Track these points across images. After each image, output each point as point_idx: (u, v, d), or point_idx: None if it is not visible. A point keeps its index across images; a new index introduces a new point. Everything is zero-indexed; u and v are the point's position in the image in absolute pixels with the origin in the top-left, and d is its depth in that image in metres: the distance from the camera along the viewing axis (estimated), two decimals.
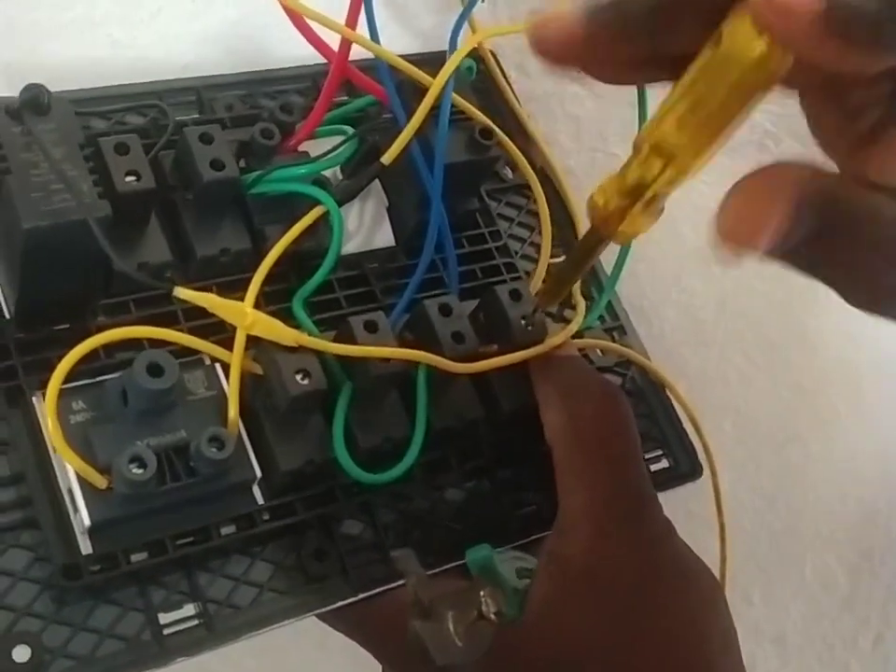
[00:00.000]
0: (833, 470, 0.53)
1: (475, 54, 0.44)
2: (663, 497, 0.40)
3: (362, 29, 0.37)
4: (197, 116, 0.39)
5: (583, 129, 0.51)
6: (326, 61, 0.37)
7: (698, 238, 0.50)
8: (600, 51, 0.27)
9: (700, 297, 0.51)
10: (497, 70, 0.44)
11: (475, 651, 0.32)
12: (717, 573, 0.40)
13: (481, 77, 0.44)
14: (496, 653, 0.33)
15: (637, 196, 0.29)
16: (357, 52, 0.37)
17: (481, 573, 0.35)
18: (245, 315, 0.32)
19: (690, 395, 0.46)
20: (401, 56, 0.37)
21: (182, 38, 0.42)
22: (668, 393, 0.42)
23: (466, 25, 0.41)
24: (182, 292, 0.31)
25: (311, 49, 0.37)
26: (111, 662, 0.31)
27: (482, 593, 0.33)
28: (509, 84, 0.44)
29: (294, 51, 0.39)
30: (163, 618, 0.32)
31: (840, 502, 0.53)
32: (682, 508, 0.46)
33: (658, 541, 0.35)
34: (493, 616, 0.33)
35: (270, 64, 0.41)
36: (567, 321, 0.40)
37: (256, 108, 0.39)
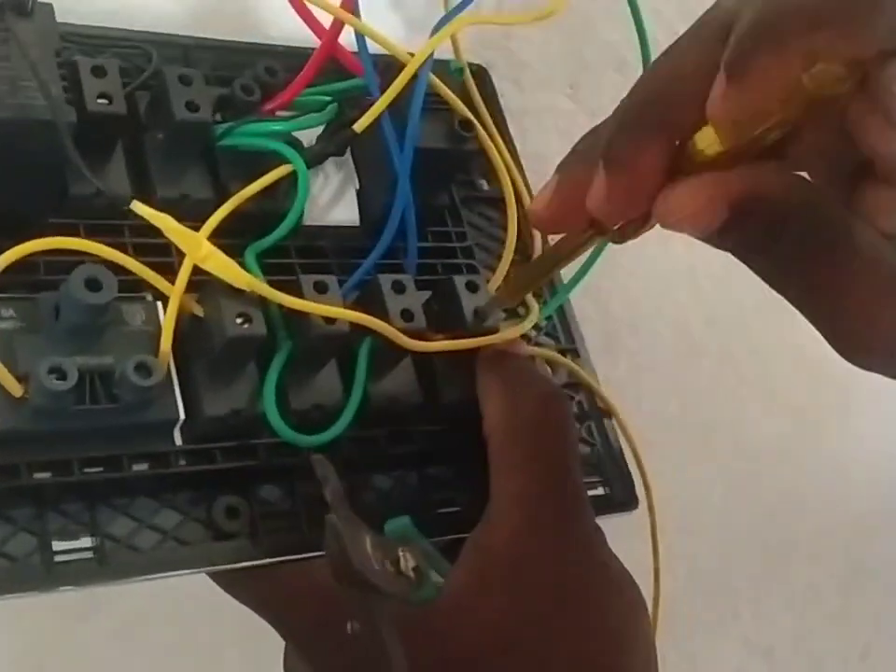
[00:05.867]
0: (825, 485, 0.52)
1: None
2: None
3: None
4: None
5: None
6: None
7: (690, 254, 0.50)
8: (577, 209, 0.29)
9: (690, 312, 0.51)
10: (472, 84, 0.43)
11: (388, 584, 0.30)
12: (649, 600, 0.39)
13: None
14: (402, 634, 0.31)
15: None
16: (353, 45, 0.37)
17: (400, 541, 0.33)
18: (200, 245, 0.31)
19: (682, 410, 0.45)
20: None
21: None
22: (614, 421, 0.41)
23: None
24: (139, 207, 0.31)
25: (310, 32, 0.37)
26: None
27: (400, 548, 0.32)
28: (496, 98, 0.45)
29: (295, 34, 0.39)
30: (57, 545, 0.30)
31: (831, 516, 0.52)
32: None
33: (586, 545, 0.34)
34: (411, 572, 0.31)
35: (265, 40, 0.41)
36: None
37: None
